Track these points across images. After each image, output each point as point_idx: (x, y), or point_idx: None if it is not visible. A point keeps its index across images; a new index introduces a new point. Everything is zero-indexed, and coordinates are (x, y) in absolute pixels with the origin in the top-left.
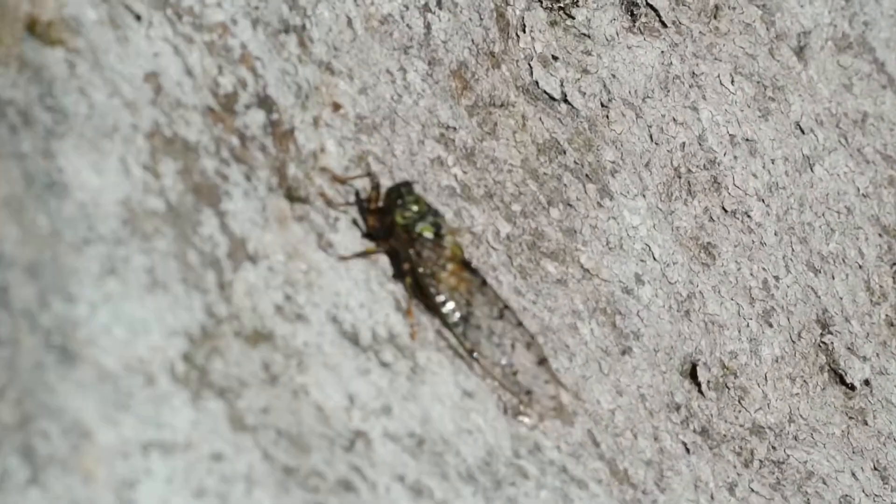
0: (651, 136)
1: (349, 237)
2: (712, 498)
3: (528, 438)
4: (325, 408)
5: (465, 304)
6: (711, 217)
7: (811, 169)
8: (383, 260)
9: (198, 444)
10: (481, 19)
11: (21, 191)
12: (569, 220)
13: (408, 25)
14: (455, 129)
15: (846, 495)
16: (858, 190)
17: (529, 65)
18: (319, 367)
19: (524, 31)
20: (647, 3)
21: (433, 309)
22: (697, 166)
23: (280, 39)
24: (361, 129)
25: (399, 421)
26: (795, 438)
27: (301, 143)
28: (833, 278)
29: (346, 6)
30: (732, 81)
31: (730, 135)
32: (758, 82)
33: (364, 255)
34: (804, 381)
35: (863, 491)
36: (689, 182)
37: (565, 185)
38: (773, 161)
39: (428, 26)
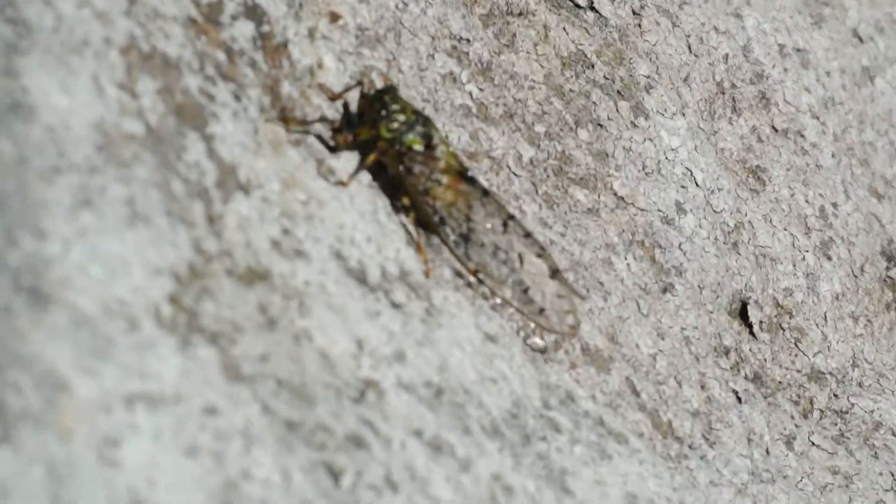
0: (690, 48)
1: (353, 162)
2: (767, 452)
3: (560, 387)
4: (331, 354)
5: (465, 219)
6: (760, 137)
7: (871, 82)
8: (391, 188)
9: (188, 396)
10: None
11: None
12: (599, 141)
13: None
14: (469, 40)
15: None
16: None
17: None
18: (323, 309)
19: None
20: None
21: (430, 228)
22: (743, 80)
23: None
24: (363, 42)
25: (414, 369)
26: (860, 385)
27: (295, 57)
28: None
29: None
30: None
31: (778, 44)
32: None
33: (363, 168)
34: (868, 320)
35: None
36: (733, 98)
37: (594, 102)
38: (827, 73)
39: None
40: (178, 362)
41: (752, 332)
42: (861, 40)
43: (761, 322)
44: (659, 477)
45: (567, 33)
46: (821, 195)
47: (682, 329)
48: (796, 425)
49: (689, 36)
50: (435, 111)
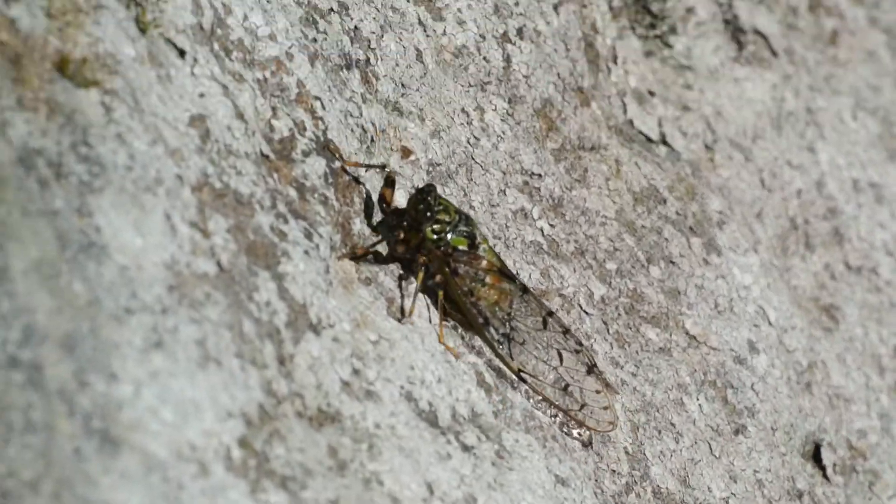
0: (763, 182)
1: (422, 302)
2: None
3: None
4: (402, 499)
5: (508, 317)
6: (833, 274)
7: None
8: (462, 329)
9: None
10: (568, 50)
11: (54, 254)
12: (671, 279)
13: (484, 58)
14: (540, 176)
15: None
16: None
17: (623, 101)
18: (393, 452)
19: (616, 63)
20: (756, 30)
21: (475, 329)
22: (816, 216)
23: (341, 76)
24: (435, 178)
25: None
26: None
27: (367, 194)
28: None
29: (415, 37)
30: (854, 118)
31: (853, 179)
32: (883, 118)
33: (420, 283)
34: None
35: None
36: (806, 234)
37: (666, 239)
38: None
39: (508, 59)
40: None
41: (825, 475)
42: None
43: (835, 465)
44: None
45: (639, 168)
46: (895, 334)
47: (755, 472)
48: None
49: (762, 170)
50: (506, 248)
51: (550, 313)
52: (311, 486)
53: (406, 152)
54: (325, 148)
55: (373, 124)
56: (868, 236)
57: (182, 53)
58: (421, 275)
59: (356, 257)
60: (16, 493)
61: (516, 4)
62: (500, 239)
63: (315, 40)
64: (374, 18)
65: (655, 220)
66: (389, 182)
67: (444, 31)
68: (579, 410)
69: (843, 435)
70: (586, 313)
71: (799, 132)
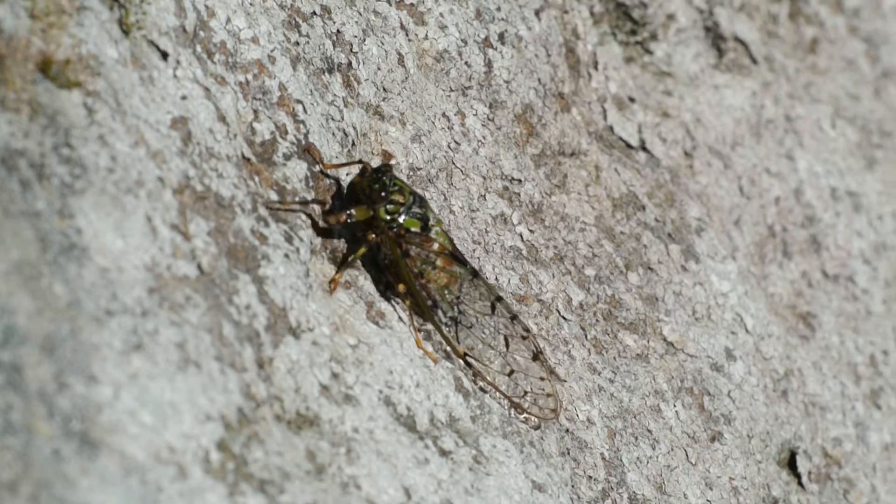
0: (741, 189)
1: (401, 305)
2: None
3: None
4: (379, 503)
5: (457, 301)
6: (810, 282)
7: None
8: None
9: None
10: (549, 56)
11: (35, 255)
12: (649, 286)
13: (466, 63)
14: (520, 181)
15: None
16: None
17: (603, 107)
18: (371, 457)
19: (597, 69)
20: (736, 37)
21: (423, 312)
22: (794, 224)
23: (323, 80)
24: (415, 182)
25: None
26: None
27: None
28: None
29: (397, 41)
30: (833, 126)
31: (831, 187)
32: (862, 126)
33: (358, 256)
34: None
35: None
36: (784, 242)
37: (645, 245)
38: (880, 217)
39: (489, 64)
40: None
41: (800, 483)
42: None
43: (810, 472)
44: None
45: (619, 174)
46: (871, 343)
47: (731, 479)
48: None
49: (740, 178)
50: (485, 252)
51: (499, 298)
52: (289, 489)
53: (387, 156)
54: (306, 151)
55: (354, 128)
56: (845, 244)
57: (165, 56)
58: (363, 249)
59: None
60: None
61: (498, 9)
62: (479, 244)
63: (297, 44)
64: (357, 22)
65: (634, 227)
66: (363, 171)
67: (426, 35)
68: (523, 397)
69: (819, 443)
70: (565, 319)
71: (778, 140)
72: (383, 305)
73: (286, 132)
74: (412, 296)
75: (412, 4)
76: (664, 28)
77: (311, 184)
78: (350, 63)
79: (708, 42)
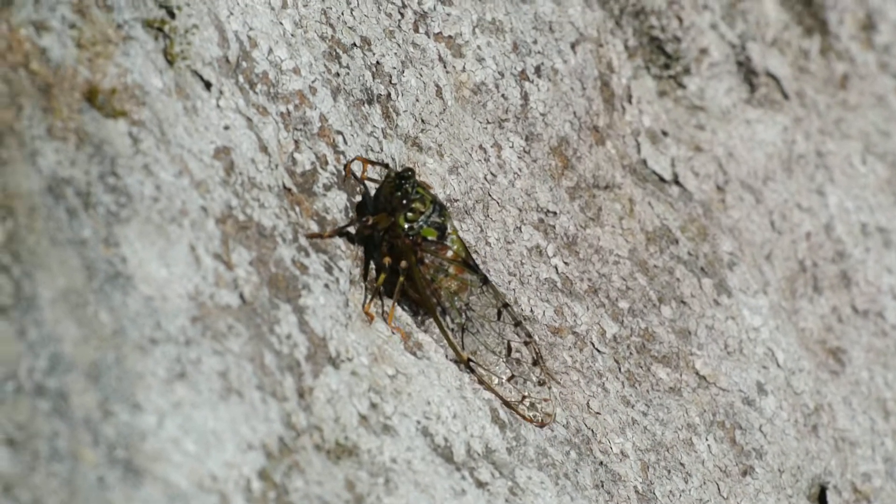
0: (773, 224)
1: (439, 336)
2: None
3: None
4: None
5: (466, 307)
6: (840, 318)
7: None
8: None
9: None
10: (584, 89)
11: (81, 283)
12: (682, 319)
13: (503, 95)
14: (555, 213)
15: None
16: None
17: (637, 141)
18: (409, 487)
19: (631, 103)
20: (768, 72)
21: (432, 316)
22: (824, 259)
23: (363, 111)
24: (452, 214)
25: None
26: None
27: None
28: None
29: (435, 73)
30: (864, 162)
31: (861, 223)
32: (892, 163)
33: (377, 289)
34: None
35: None
36: (815, 277)
37: (678, 279)
38: None
39: (525, 96)
40: None
41: None
42: None
43: None
44: None
45: (652, 207)
46: None
47: None
48: None
49: (772, 212)
50: (521, 284)
51: (506, 305)
52: None
53: (425, 187)
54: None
55: (393, 159)
56: (875, 280)
57: (208, 86)
58: (383, 275)
59: (323, 236)
60: None
61: (534, 42)
62: (514, 276)
63: (338, 75)
64: (396, 54)
65: (667, 260)
66: (387, 178)
67: (464, 67)
68: (521, 401)
69: (849, 478)
70: (599, 351)
71: (809, 175)
72: (421, 336)
73: (326, 162)
74: (423, 301)
75: (450, 37)
76: (697, 62)
77: (350, 214)
78: (389, 94)
79: (740, 77)
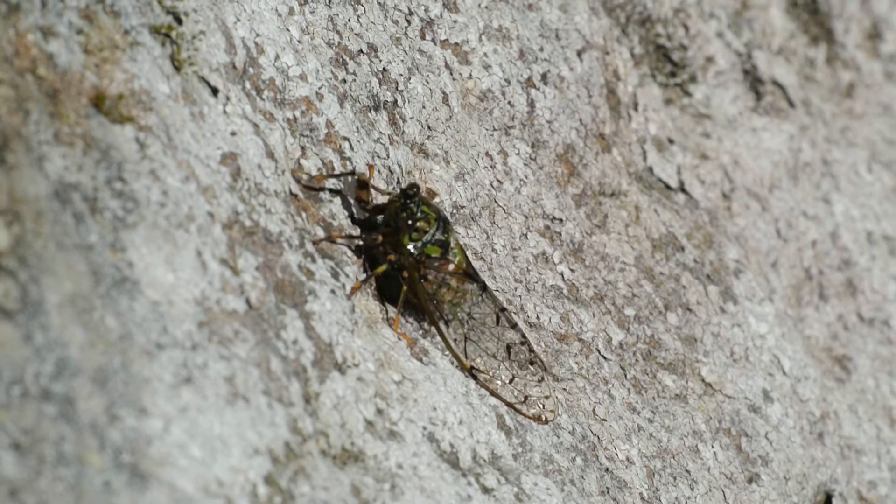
0: (778, 232)
1: (444, 344)
2: None
3: None
4: None
5: (468, 317)
6: (846, 325)
7: None
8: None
9: None
10: (590, 96)
11: (88, 288)
12: (688, 326)
13: (509, 103)
14: (561, 220)
15: None
16: None
17: (643, 148)
18: (415, 493)
19: (637, 111)
20: (774, 81)
21: (435, 328)
22: (830, 267)
23: (370, 117)
24: (458, 220)
25: None
26: None
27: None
28: None
29: (442, 80)
30: (870, 170)
31: (867, 231)
32: None
33: (374, 275)
34: None
35: None
36: (820, 285)
37: (684, 286)
38: None
39: (532, 104)
40: None
41: None
42: None
43: None
44: None
45: (658, 215)
46: None
47: None
48: None
49: (777, 220)
50: (527, 291)
51: (503, 309)
52: None
53: (431, 194)
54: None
55: (399, 166)
56: (881, 288)
57: (215, 91)
58: (383, 266)
59: (331, 240)
60: None
61: (541, 50)
62: (521, 282)
63: (344, 81)
64: (402, 61)
65: (673, 268)
66: (362, 184)
67: (470, 74)
68: (523, 402)
69: (854, 486)
70: (605, 358)
71: (815, 183)
72: (427, 343)
73: (333, 169)
74: (427, 315)
75: (457, 44)
76: (703, 71)
77: (356, 219)
78: (396, 101)
79: (746, 85)
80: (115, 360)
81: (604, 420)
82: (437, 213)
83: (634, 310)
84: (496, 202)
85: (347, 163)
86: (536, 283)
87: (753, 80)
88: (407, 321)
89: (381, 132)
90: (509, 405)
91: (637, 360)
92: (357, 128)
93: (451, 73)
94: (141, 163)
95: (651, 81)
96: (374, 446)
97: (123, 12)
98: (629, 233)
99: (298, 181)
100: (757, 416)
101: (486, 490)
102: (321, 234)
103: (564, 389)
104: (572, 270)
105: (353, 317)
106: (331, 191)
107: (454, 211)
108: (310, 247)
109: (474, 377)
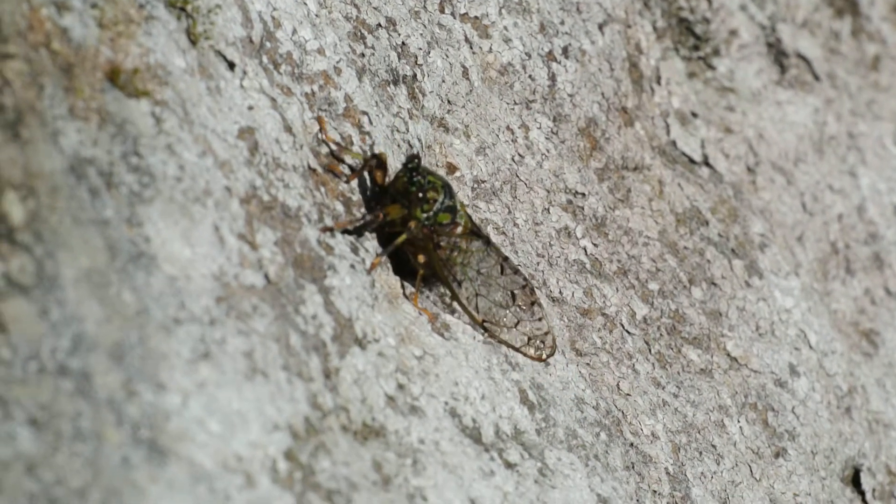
0: (804, 206)
1: (466, 317)
2: None
3: None
4: None
5: (477, 273)
6: (873, 299)
7: None
8: (505, 346)
9: None
10: (612, 70)
11: (104, 263)
12: (713, 301)
13: (530, 76)
14: (584, 195)
15: None
16: None
17: (666, 122)
18: (437, 468)
19: (660, 84)
20: (798, 53)
21: (450, 292)
22: (856, 240)
23: (389, 91)
24: (479, 195)
25: None
26: None
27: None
28: None
29: (462, 54)
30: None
31: (893, 204)
32: None
33: (391, 250)
34: None
35: None
36: (847, 258)
37: (708, 260)
38: None
39: (553, 77)
40: None
41: (864, 500)
42: None
43: (874, 490)
44: None
45: (682, 189)
46: None
47: (795, 496)
48: None
49: (803, 194)
50: (549, 266)
51: (505, 259)
52: (356, 500)
53: (451, 168)
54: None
55: (419, 140)
56: None
57: (231, 66)
58: (403, 237)
59: (335, 227)
60: (64, 501)
61: (562, 23)
62: (543, 257)
63: (363, 55)
64: (422, 35)
65: (698, 242)
66: (381, 164)
67: (491, 48)
68: (528, 343)
69: (883, 460)
70: (628, 333)
71: (840, 156)
72: (448, 317)
73: (352, 143)
74: (441, 281)
75: (476, 17)
76: (727, 44)
77: (370, 199)
78: (415, 75)
79: (770, 58)
80: (132, 336)
81: (628, 395)
82: (441, 181)
83: (658, 284)
84: (518, 176)
85: (367, 137)
86: (559, 257)
87: (778, 54)
88: (427, 296)
89: (400, 106)
90: (515, 349)
91: (661, 335)
92: (376, 102)
93: (471, 47)
94: (157, 137)
95: (674, 55)
96: (395, 421)
97: None
98: (653, 207)
99: (319, 159)
100: (783, 391)
101: (509, 465)
102: (340, 209)
103: (588, 364)
104: (595, 245)
105: (374, 292)
106: (350, 168)
107: (475, 185)
108: (329, 221)
109: (485, 329)
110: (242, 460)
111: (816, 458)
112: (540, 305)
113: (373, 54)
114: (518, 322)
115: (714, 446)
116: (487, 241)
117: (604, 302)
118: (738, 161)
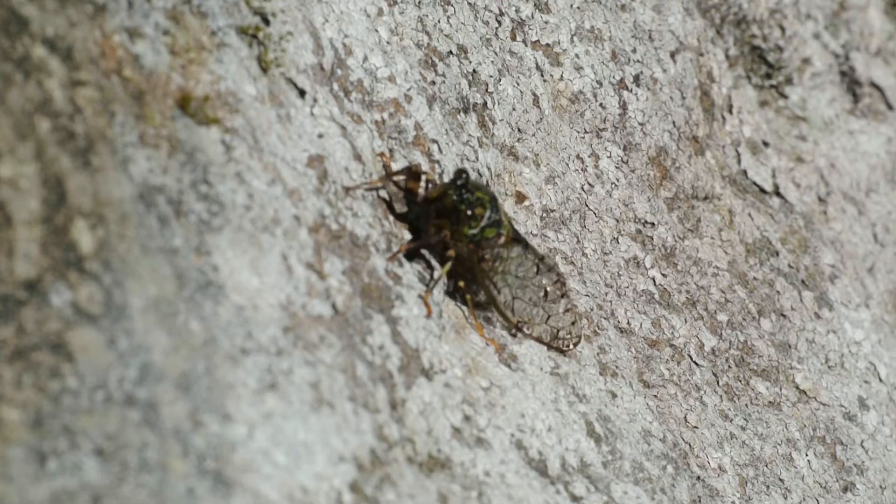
0: (875, 237)
1: (535, 349)
2: None
3: None
4: None
5: (515, 278)
6: None
7: None
8: (573, 378)
9: None
10: (683, 98)
11: (172, 292)
12: (782, 332)
13: (601, 105)
14: (653, 224)
15: None
16: None
17: (737, 151)
18: (503, 500)
19: (731, 113)
20: (872, 83)
21: (491, 300)
22: None
23: (459, 119)
24: (548, 224)
25: None
26: None
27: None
28: None
29: (532, 82)
30: None
31: None
32: None
33: (439, 278)
34: None
35: None
36: None
37: (778, 292)
38: None
39: (624, 106)
40: None
41: None
42: None
43: None
44: None
45: (752, 219)
46: None
47: None
48: None
49: (874, 224)
50: (618, 296)
51: (542, 258)
52: None
53: (520, 197)
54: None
55: (489, 168)
56: None
57: (302, 93)
58: (448, 265)
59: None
60: None
61: (633, 51)
62: (611, 287)
63: (433, 83)
64: (493, 62)
65: (767, 273)
66: (416, 176)
67: (562, 76)
68: (557, 336)
69: None
70: (696, 364)
71: None
72: (515, 348)
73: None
74: (486, 293)
75: (548, 45)
76: (799, 72)
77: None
78: (485, 103)
79: (843, 87)
80: (199, 366)
81: (695, 427)
82: (488, 195)
83: (727, 315)
84: (587, 206)
85: (436, 165)
86: (627, 287)
87: (851, 82)
88: (493, 326)
89: (470, 134)
90: (545, 344)
91: (730, 367)
92: (446, 130)
93: (542, 75)
94: (227, 165)
95: (746, 83)
96: (461, 453)
97: (210, 13)
98: (722, 237)
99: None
100: (852, 424)
101: (575, 498)
102: (409, 237)
103: (655, 396)
104: (664, 275)
105: (441, 322)
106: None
107: (544, 214)
108: (396, 249)
109: (519, 329)
110: (308, 492)
111: (885, 493)
112: (567, 296)
113: (443, 82)
114: (549, 317)
115: (782, 480)
116: (526, 245)
117: (672, 333)
118: (809, 191)
